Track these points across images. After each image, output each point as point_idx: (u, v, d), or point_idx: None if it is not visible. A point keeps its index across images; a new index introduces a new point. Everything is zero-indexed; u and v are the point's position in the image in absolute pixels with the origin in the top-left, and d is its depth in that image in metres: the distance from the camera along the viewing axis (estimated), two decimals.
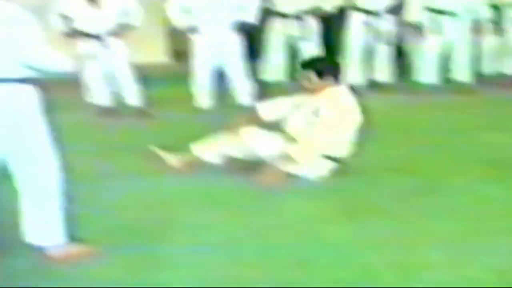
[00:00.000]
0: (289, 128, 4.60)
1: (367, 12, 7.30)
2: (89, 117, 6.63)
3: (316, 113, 4.51)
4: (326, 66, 4.62)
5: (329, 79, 4.54)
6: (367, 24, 7.32)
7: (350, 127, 4.50)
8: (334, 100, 4.52)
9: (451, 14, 7.08)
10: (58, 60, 3.28)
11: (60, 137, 3.35)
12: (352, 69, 7.41)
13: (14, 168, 3.23)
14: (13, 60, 3.12)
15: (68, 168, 3.34)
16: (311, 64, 4.63)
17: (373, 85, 7.46)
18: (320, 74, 4.52)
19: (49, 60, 3.24)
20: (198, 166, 4.64)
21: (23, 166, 3.22)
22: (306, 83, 4.60)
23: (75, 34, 6.56)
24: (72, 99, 6.80)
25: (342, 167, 4.55)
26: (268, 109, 4.74)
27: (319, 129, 4.45)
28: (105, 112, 6.75)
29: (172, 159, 4.72)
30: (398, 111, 6.49)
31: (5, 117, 3.13)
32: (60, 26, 6.57)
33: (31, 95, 3.19)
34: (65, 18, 6.56)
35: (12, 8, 3.13)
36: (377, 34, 7.33)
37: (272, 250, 3.41)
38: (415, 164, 4.82)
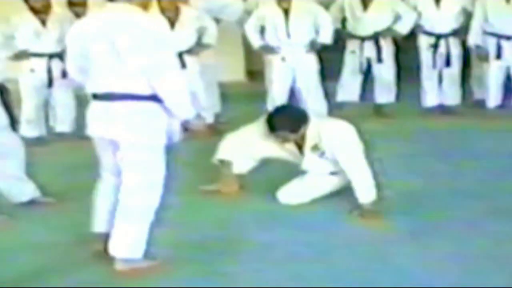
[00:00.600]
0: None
1: (435, 35, 7.22)
2: None
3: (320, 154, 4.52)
4: (297, 121, 4.48)
5: (303, 128, 4.48)
6: (434, 47, 7.24)
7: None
8: (326, 140, 4.47)
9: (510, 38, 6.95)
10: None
11: None
12: (423, 91, 7.39)
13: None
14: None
15: None
16: (282, 127, 4.46)
17: (441, 109, 7.39)
18: (294, 130, 4.46)
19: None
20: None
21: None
22: (283, 140, 4.55)
23: None
24: None
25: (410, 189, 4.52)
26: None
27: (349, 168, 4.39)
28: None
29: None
30: (465, 134, 6.44)
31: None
32: None
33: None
34: None
35: None
36: (443, 57, 7.24)
37: (337, 270, 3.46)
38: (485, 187, 4.78)
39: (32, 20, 6.48)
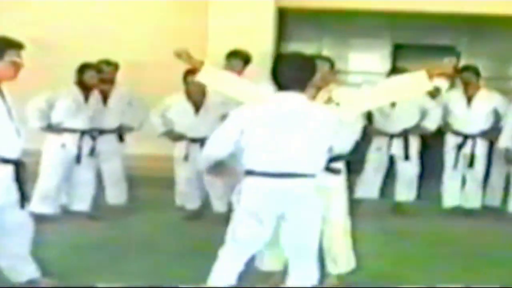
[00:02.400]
0: None
1: (462, 135, 7.12)
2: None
3: None
4: None
5: None
6: (459, 147, 7.14)
7: None
8: None
9: None
10: None
11: None
12: (444, 191, 7.25)
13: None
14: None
15: None
16: None
17: (461, 210, 7.25)
18: None
19: None
20: None
21: None
22: None
23: (173, 136, 6.67)
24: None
25: None
26: None
27: None
28: (192, 215, 6.75)
29: None
30: (485, 239, 6.27)
31: None
32: (159, 126, 6.70)
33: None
34: (166, 119, 6.69)
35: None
36: (467, 158, 7.11)
37: None
38: None
39: (76, 95, 6.39)
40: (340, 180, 4.42)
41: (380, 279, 4.81)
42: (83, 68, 6.37)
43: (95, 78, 6.41)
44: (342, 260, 4.54)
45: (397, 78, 4.54)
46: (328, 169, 4.08)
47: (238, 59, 6.99)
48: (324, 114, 3.80)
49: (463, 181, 7.26)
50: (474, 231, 6.55)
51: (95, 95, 6.59)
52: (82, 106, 6.41)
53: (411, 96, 5.85)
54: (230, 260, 3.90)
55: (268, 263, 4.48)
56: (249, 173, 3.72)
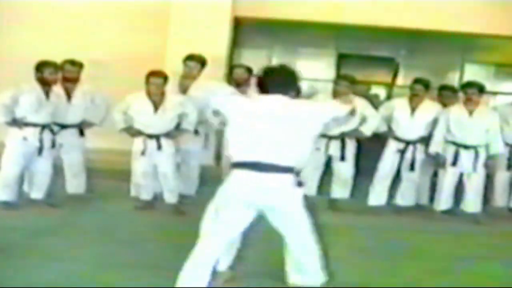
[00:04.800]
0: None
1: (404, 141, 7.34)
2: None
3: None
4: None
5: None
6: (402, 152, 7.35)
7: None
8: None
9: (468, 147, 7.11)
10: None
11: None
12: (377, 191, 7.45)
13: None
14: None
15: None
16: None
17: (394, 209, 7.47)
18: None
19: None
20: None
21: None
22: None
23: (132, 132, 6.78)
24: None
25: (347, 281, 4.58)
26: None
27: None
28: (145, 205, 6.89)
29: None
30: (408, 234, 6.48)
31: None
32: (120, 123, 6.81)
33: None
34: (127, 116, 6.80)
35: None
36: (408, 162, 7.34)
37: None
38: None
39: (38, 91, 6.44)
40: None
41: None
42: (41, 66, 6.42)
43: (53, 74, 6.46)
44: None
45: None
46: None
47: (195, 61, 7.21)
48: (307, 112, 4.10)
49: (397, 181, 7.45)
50: (400, 227, 6.80)
51: (56, 92, 6.66)
52: (44, 102, 6.47)
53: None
54: (213, 244, 4.05)
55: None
56: (235, 165, 4.00)
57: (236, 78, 7.67)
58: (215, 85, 6.79)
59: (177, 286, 4.00)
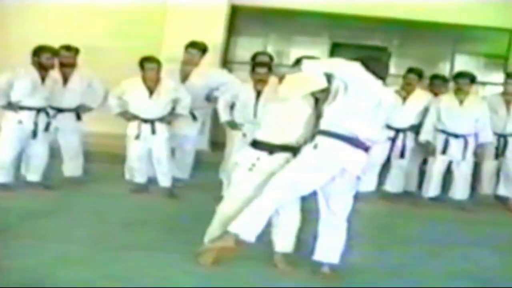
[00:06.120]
0: None
1: (395, 129, 7.31)
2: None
3: None
4: None
5: None
6: (392, 139, 7.32)
7: None
8: None
9: (458, 136, 7.11)
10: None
11: None
12: (367, 177, 7.39)
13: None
14: None
15: None
16: None
17: (383, 195, 7.45)
18: None
19: None
20: None
21: None
22: None
23: (128, 117, 6.75)
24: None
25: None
26: None
27: None
28: (139, 188, 6.86)
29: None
30: (397, 219, 6.51)
31: None
32: (115, 107, 6.78)
33: None
34: (122, 101, 6.76)
35: None
36: (399, 149, 7.33)
37: None
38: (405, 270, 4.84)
39: (34, 75, 6.38)
40: None
41: None
42: (38, 51, 6.37)
43: (50, 60, 6.42)
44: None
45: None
46: None
47: (197, 49, 7.20)
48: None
49: (386, 168, 7.44)
50: (389, 212, 6.82)
51: (53, 77, 6.61)
52: (39, 86, 6.42)
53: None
54: (278, 198, 4.40)
55: None
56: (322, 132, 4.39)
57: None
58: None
59: (230, 230, 4.30)
